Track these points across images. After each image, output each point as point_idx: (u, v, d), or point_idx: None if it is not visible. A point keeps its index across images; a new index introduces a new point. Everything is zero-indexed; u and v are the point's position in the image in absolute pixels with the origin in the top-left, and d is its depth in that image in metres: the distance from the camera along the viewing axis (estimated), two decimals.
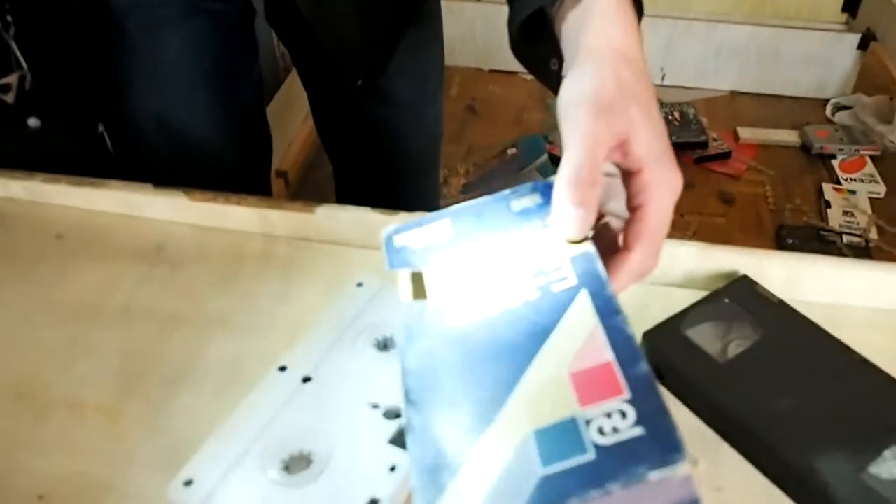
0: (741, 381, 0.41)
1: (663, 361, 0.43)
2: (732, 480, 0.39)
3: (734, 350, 0.43)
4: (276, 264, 0.52)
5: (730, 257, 0.49)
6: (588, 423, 0.29)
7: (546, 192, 0.38)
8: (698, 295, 0.47)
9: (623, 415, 0.29)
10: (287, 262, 0.53)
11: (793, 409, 0.40)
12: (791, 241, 1.37)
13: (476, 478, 0.28)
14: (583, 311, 0.33)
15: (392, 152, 0.79)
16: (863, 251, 1.35)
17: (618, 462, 0.28)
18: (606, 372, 0.30)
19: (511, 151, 1.62)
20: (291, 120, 1.52)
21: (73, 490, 0.39)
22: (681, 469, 0.27)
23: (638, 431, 0.28)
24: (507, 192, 0.39)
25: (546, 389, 0.31)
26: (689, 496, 0.28)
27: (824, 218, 1.43)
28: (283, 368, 0.42)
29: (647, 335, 0.44)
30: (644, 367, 0.30)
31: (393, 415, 0.40)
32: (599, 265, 0.35)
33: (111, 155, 0.68)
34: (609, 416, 0.29)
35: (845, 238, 1.37)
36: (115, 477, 0.40)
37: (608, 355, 0.31)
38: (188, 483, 0.36)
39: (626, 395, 0.30)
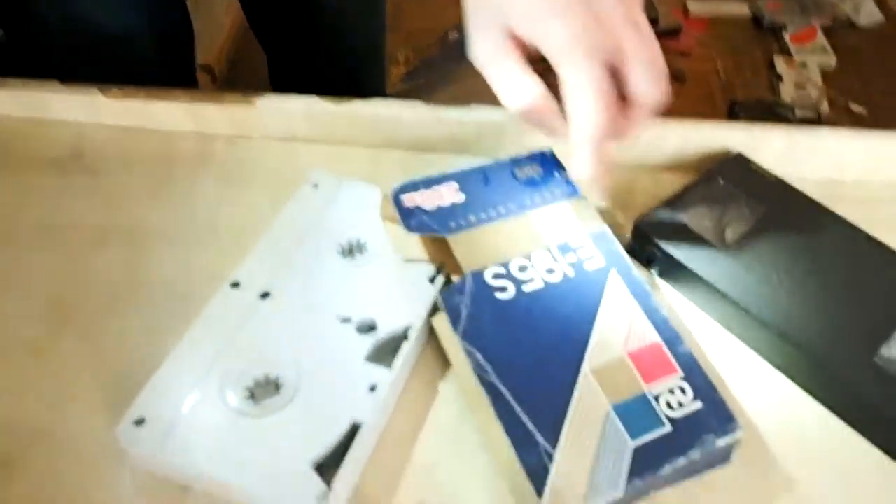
0: (742, 266, 0.38)
1: (658, 250, 0.39)
2: (737, 372, 0.36)
3: (733, 234, 0.40)
4: (214, 166, 0.46)
5: (719, 134, 0.44)
6: (657, 398, 0.32)
7: (545, 163, 0.41)
8: (689, 177, 0.43)
9: (683, 391, 0.33)
10: (227, 163, 0.46)
11: (798, 293, 0.37)
12: (744, 117, 1.34)
13: (574, 457, 0.30)
14: (620, 294, 0.36)
15: (336, 31, 0.71)
16: (815, 124, 1.34)
17: (692, 433, 0.31)
18: (657, 352, 0.34)
19: (453, 36, 1.53)
20: (213, 7, 1.39)
21: (4, 440, 0.34)
22: (739, 435, 0.32)
23: (698, 405, 0.32)
24: (506, 159, 0.41)
25: (611, 369, 0.33)
26: (725, 455, 0.32)
27: (776, 92, 1.41)
28: (235, 284, 0.37)
29: (639, 223, 0.40)
30: (686, 347, 0.34)
31: (367, 328, 0.36)
32: (618, 245, 0.38)
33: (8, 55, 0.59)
34: (672, 392, 0.33)
35: (798, 112, 1.35)
36: (52, 422, 0.34)
37: (654, 336, 0.34)
38: (139, 422, 0.32)
39: (680, 373, 0.33)
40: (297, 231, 0.39)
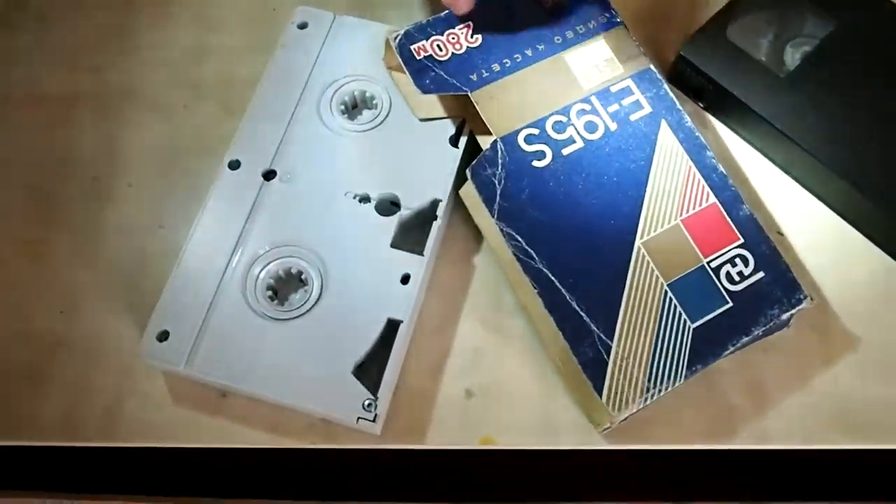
0: (805, 98, 0.33)
1: (706, 80, 0.34)
2: (797, 223, 0.33)
3: (795, 56, 0.34)
4: (178, 10, 0.39)
5: None
6: (716, 271, 0.30)
7: None
8: None
9: (745, 261, 0.30)
10: (192, 6, 0.39)
11: (872, 132, 0.33)
12: None
13: (631, 346, 0.28)
14: (672, 150, 0.32)
15: None
16: None
17: (755, 307, 0.29)
18: (715, 217, 0.30)
19: None
20: None
21: (23, 351, 0.32)
22: (805, 305, 0.30)
23: (760, 275, 0.30)
24: None
25: (666, 240, 0.30)
26: (786, 322, 0.30)
27: None
28: (234, 164, 0.32)
29: (683, 49, 0.35)
30: (746, 209, 0.31)
31: (388, 206, 0.32)
32: (666, 87, 0.33)
33: None
34: (732, 263, 0.30)
35: None
36: (69, 330, 0.32)
37: (711, 198, 0.31)
38: (162, 337, 0.29)
39: (740, 240, 0.30)
40: (290, 88, 0.34)
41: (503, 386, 0.31)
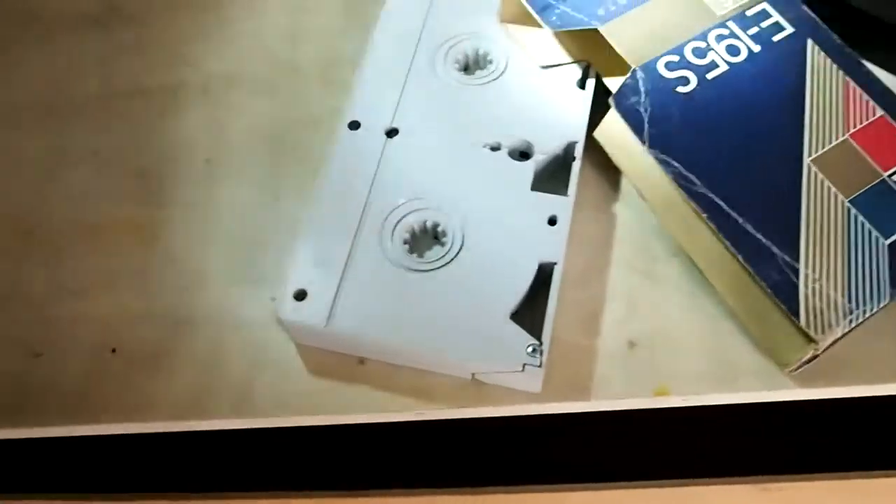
0: None
1: (846, 7, 0.32)
2: None
3: None
4: None
5: None
6: None
7: None
8: None
9: None
10: None
11: None
12: None
13: (822, 266, 0.26)
14: (824, 66, 0.30)
15: None
16: None
17: None
18: (885, 127, 0.28)
19: None
20: None
21: (145, 330, 0.30)
22: None
23: None
24: None
25: (837, 157, 0.28)
26: None
27: None
28: (354, 125, 0.31)
29: None
30: None
31: (520, 153, 0.30)
32: (805, 7, 0.31)
33: None
34: None
35: None
36: (190, 307, 0.30)
37: (878, 111, 0.29)
38: (300, 296, 0.27)
39: None
40: (402, 48, 0.33)
41: (668, 334, 0.28)
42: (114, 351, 0.29)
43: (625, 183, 0.31)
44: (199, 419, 0.27)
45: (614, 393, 0.27)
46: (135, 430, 0.28)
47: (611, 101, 0.29)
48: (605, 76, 0.31)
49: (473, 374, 0.27)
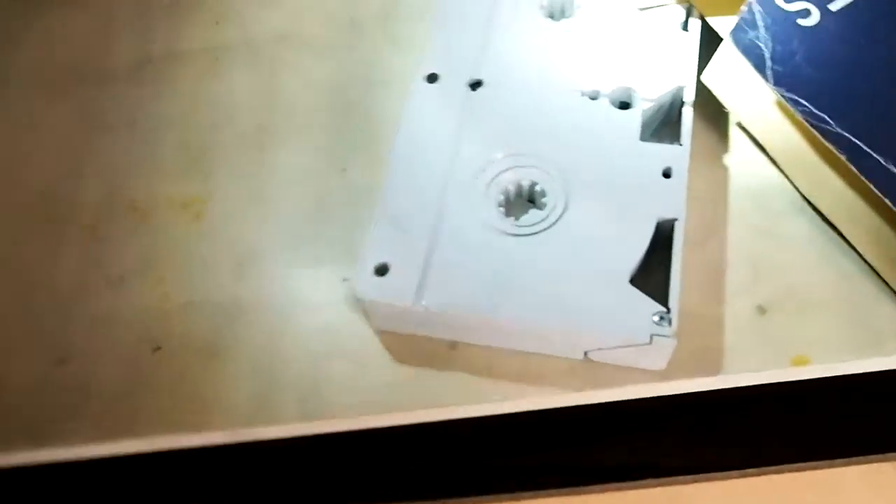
0: None
1: None
2: None
3: None
4: None
5: None
6: None
7: None
8: None
9: None
10: None
11: None
12: None
13: None
14: None
15: None
16: None
17: None
18: None
19: None
20: None
21: (199, 321, 0.26)
22: None
23: None
24: None
25: None
26: None
27: None
28: (432, 77, 0.27)
29: None
30: None
31: (623, 102, 0.27)
32: None
33: None
34: None
35: None
36: (240, 299, 0.27)
37: None
38: (381, 270, 0.24)
39: None
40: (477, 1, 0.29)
41: (801, 297, 0.25)
42: (157, 349, 0.26)
43: (735, 132, 0.28)
44: (265, 425, 0.24)
45: (748, 366, 0.24)
46: (185, 444, 0.24)
47: (728, 36, 0.25)
48: (709, 16, 0.28)
49: (586, 353, 0.24)
